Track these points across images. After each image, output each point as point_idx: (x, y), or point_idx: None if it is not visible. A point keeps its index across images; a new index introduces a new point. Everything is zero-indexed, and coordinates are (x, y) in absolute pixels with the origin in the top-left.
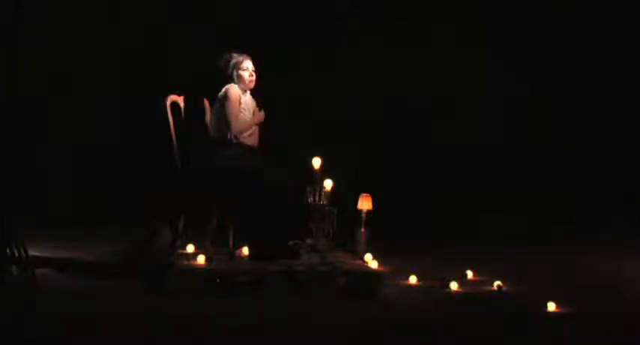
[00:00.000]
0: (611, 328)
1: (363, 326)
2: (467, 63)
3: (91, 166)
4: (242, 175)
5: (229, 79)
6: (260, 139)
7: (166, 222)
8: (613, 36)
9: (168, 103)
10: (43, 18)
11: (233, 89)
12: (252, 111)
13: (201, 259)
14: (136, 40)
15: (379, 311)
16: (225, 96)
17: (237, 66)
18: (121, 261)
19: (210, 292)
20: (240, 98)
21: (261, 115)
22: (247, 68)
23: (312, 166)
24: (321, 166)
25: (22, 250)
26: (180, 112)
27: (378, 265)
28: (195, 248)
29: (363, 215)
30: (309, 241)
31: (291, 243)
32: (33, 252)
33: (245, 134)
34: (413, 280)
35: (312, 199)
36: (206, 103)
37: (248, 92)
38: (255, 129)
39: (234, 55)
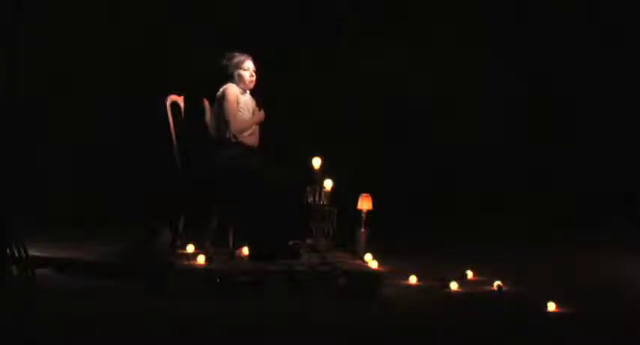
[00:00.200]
0: (611, 328)
1: (363, 326)
2: (467, 63)
3: (91, 166)
4: (242, 175)
5: (229, 79)
6: (260, 139)
7: (166, 222)
8: (613, 36)
9: (168, 103)
10: (43, 18)
11: (230, 89)
12: (251, 111)
13: (201, 259)
14: (136, 40)
15: (379, 311)
16: (223, 96)
17: (239, 65)
18: (121, 261)
19: (210, 292)
20: (237, 97)
21: (261, 114)
22: (248, 68)
23: (312, 166)
24: (321, 166)
25: (22, 250)
26: (180, 112)
27: (378, 265)
28: (195, 248)
29: (363, 215)
30: (309, 241)
31: (291, 243)
32: (33, 252)
33: (245, 134)
34: (413, 280)
35: (312, 199)
36: (206, 103)
37: (248, 92)
38: (255, 129)
39: (236, 54)
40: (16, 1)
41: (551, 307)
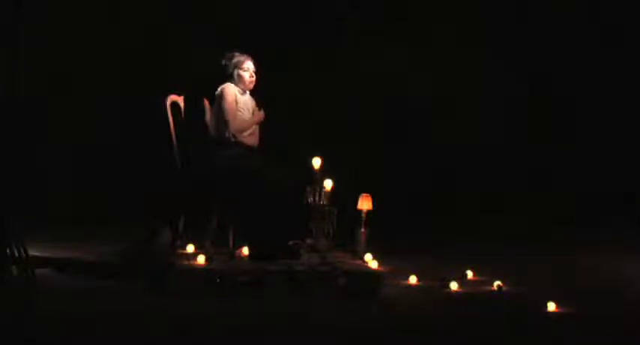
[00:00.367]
0: (611, 328)
1: (363, 326)
2: (467, 63)
3: (91, 166)
4: (242, 175)
5: (229, 79)
6: (260, 139)
7: (166, 222)
8: (613, 36)
9: (168, 103)
10: (43, 18)
11: (228, 88)
12: (251, 111)
13: (201, 259)
14: (136, 40)
15: (379, 311)
16: (221, 95)
17: (239, 66)
18: (121, 261)
19: (210, 292)
20: (236, 97)
21: (261, 114)
22: (248, 69)
23: (312, 166)
24: (321, 166)
25: (22, 250)
26: (180, 112)
27: (378, 265)
28: (195, 248)
29: (363, 215)
30: (309, 241)
31: (291, 243)
32: (33, 252)
33: (245, 134)
34: (413, 280)
35: (312, 199)
36: (206, 103)
37: (247, 92)
38: (255, 129)
39: (237, 54)
40: (16, 1)
41: (551, 307)
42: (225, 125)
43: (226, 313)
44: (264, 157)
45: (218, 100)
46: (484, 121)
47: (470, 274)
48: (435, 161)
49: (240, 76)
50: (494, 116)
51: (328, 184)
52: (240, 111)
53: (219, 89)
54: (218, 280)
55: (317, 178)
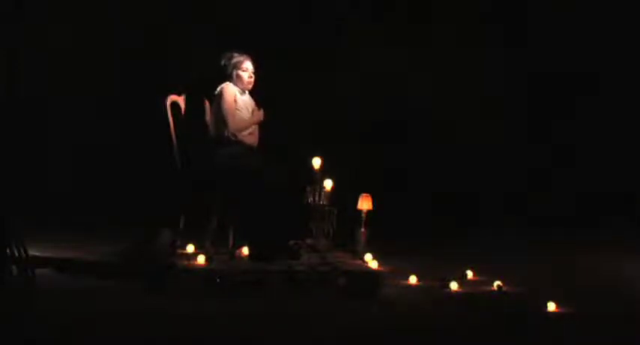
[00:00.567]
0: (611, 328)
1: (363, 326)
2: (467, 63)
3: (91, 166)
4: (242, 175)
5: (228, 79)
6: (260, 138)
7: (166, 222)
8: (613, 36)
9: (168, 103)
10: (43, 18)
11: (227, 87)
12: (250, 110)
13: (201, 259)
14: (136, 40)
15: (379, 311)
16: (220, 94)
17: (238, 66)
18: (121, 261)
19: (210, 292)
20: (235, 96)
21: (260, 114)
22: (247, 69)
23: (312, 166)
24: (321, 166)
25: (22, 250)
26: (180, 112)
27: (378, 265)
28: (195, 248)
29: (363, 215)
30: (309, 241)
31: (291, 243)
32: (33, 252)
33: (244, 133)
34: (413, 280)
35: (312, 199)
36: (206, 103)
37: (247, 92)
38: (254, 128)
39: (235, 54)
40: (16, 1)
41: (551, 307)
42: (224, 124)
43: (226, 313)
44: (264, 157)
45: (217, 100)
46: (484, 121)
47: (470, 274)
48: (435, 161)
49: (239, 76)
50: (494, 116)
51: (328, 184)
52: (239, 110)
53: (218, 88)
54: (218, 280)
55: (317, 178)
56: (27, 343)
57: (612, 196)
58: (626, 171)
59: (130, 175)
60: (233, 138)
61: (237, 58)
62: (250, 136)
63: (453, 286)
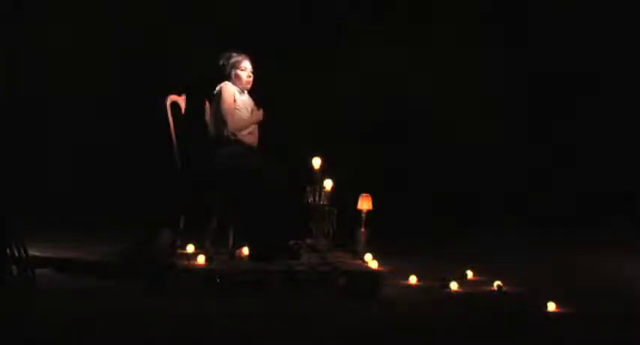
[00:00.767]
0: (611, 328)
1: (363, 326)
2: (467, 63)
3: (91, 166)
4: (242, 175)
5: (227, 78)
6: (259, 138)
7: (166, 222)
8: (613, 36)
9: (168, 103)
10: (43, 18)
11: (227, 87)
12: (249, 110)
13: (201, 259)
14: (136, 40)
15: (379, 311)
16: (219, 94)
17: (236, 65)
18: (121, 261)
19: (210, 292)
20: (234, 96)
21: (260, 114)
22: (246, 68)
23: (312, 166)
24: (321, 166)
25: (22, 250)
26: (180, 112)
27: (378, 265)
28: (195, 248)
29: (363, 215)
30: (309, 241)
31: (291, 243)
32: (33, 252)
33: (244, 133)
34: (413, 280)
35: (312, 199)
36: (206, 102)
37: (246, 92)
38: (253, 128)
39: (234, 54)
40: (16, 1)
41: (551, 307)
42: (223, 124)
43: (226, 313)
44: (264, 157)
45: (217, 99)
46: (484, 121)
47: (470, 274)
48: (435, 161)
49: (237, 76)
50: (494, 116)
51: (328, 184)
52: (238, 110)
53: (217, 88)
54: (218, 280)
55: (317, 178)
56: (27, 343)
57: (612, 196)
58: (626, 171)
59: (130, 175)
60: (233, 137)
61: (235, 57)
62: (250, 136)
63: (453, 286)
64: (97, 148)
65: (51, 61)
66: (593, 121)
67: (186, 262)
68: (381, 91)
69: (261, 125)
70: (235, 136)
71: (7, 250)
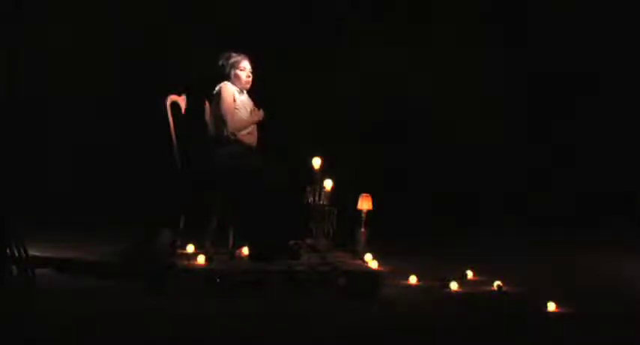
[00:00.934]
0: (611, 328)
1: (363, 326)
2: (467, 63)
3: (91, 166)
4: (242, 175)
5: (226, 78)
6: (258, 139)
7: (166, 222)
8: (613, 36)
9: (168, 103)
10: (43, 18)
11: (226, 87)
12: (249, 110)
13: (201, 259)
14: (136, 40)
15: (379, 311)
16: (219, 93)
17: (235, 65)
18: (121, 261)
19: (210, 292)
20: (234, 95)
21: (260, 114)
22: (245, 68)
23: (312, 166)
24: (321, 166)
25: (22, 250)
26: (180, 112)
27: (378, 265)
28: (195, 248)
29: (363, 215)
30: (309, 241)
31: (291, 243)
32: (33, 252)
33: (243, 133)
34: (413, 280)
35: (312, 199)
36: (206, 102)
37: (245, 92)
38: (253, 128)
39: (233, 54)
40: (16, 1)
41: (551, 307)
42: (223, 123)
43: (226, 313)
44: (264, 157)
45: (216, 99)
46: (484, 121)
47: (470, 274)
48: (435, 161)
49: (237, 76)
50: (494, 116)
51: (328, 184)
52: (237, 109)
53: (217, 88)
54: (218, 280)
55: (317, 178)
56: (27, 343)
57: (612, 196)
58: (626, 171)
59: (130, 175)
60: (232, 136)
61: (234, 57)
62: (249, 136)
63: (453, 286)
64: (97, 148)
65: (51, 61)
66: (593, 121)
67: (186, 262)
68: (381, 91)
69: (261, 125)
70: (235, 135)
71: (7, 250)
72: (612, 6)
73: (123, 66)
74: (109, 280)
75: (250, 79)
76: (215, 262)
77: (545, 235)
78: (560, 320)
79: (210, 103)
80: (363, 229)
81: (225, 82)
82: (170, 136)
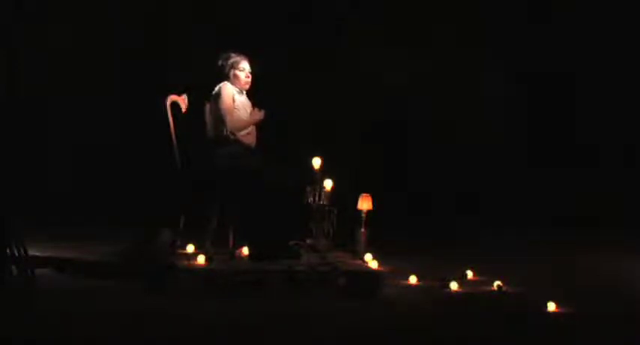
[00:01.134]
0: (611, 328)
1: (363, 326)
2: (467, 63)
3: (91, 166)
4: (242, 175)
5: (226, 78)
6: (258, 139)
7: (166, 222)
8: (613, 36)
9: (168, 103)
10: (43, 18)
11: (226, 87)
12: (248, 110)
13: (201, 259)
14: (136, 40)
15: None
16: (219, 93)
17: (235, 66)
18: (121, 261)
19: (210, 292)
20: (233, 96)
21: (261, 114)
22: (244, 69)
23: (312, 166)
24: (321, 166)
25: (22, 250)
26: (180, 112)
27: (378, 265)
28: (195, 248)
29: (363, 215)
30: (309, 241)
31: (291, 243)
32: (33, 252)
33: (242, 133)
34: (413, 280)
35: (312, 199)
36: (206, 103)
37: (244, 92)
38: (252, 129)
39: (233, 54)
40: (16, 1)
41: (551, 307)
42: (222, 123)
43: (226, 313)
44: (264, 157)
45: (215, 99)
46: (484, 121)
47: (470, 274)
48: (435, 161)
49: (236, 76)
50: (494, 116)
51: (328, 184)
52: (237, 109)
53: (216, 88)
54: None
55: (317, 178)
56: (27, 343)
57: (612, 196)
58: (626, 170)
59: (130, 175)
60: (232, 136)
61: (234, 58)
62: (248, 136)
63: (453, 286)
64: (97, 148)
65: (51, 61)
66: (593, 121)
67: (186, 262)
68: (381, 91)
69: (261, 125)
70: (234, 135)
71: (7, 250)
72: (612, 6)
73: (123, 66)
74: (109, 280)
75: (249, 79)
76: (215, 262)
77: (545, 235)
78: (560, 320)
79: (209, 103)
80: (363, 229)
81: (225, 83)
82: (170, 136)
